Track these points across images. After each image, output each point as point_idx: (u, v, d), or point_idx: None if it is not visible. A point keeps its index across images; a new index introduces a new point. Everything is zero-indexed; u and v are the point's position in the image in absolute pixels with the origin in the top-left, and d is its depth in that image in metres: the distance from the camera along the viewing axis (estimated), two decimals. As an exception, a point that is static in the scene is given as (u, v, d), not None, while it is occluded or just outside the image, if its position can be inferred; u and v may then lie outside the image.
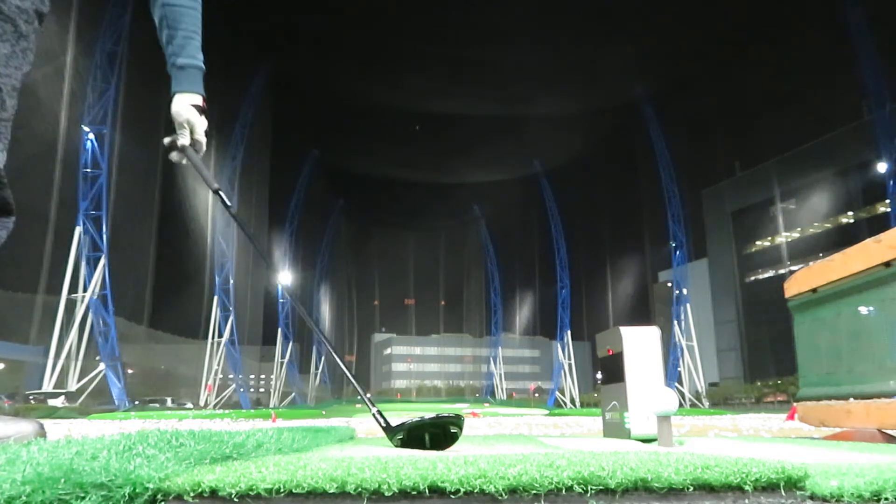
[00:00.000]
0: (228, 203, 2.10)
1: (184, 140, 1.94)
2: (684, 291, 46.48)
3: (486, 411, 21.38)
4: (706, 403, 42.70)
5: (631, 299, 67.55)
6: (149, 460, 0.96)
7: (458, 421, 1.78)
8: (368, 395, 1.95)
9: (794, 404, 4.20)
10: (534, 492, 0.91)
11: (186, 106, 1.90)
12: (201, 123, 1.95)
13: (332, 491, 0.89)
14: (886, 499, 0.92)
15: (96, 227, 30.03)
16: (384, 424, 1.85)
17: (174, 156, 1.97)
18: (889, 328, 2.67)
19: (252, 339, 53.42)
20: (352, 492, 0.89)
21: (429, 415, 1.79)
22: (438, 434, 1.77)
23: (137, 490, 0.86)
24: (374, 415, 1.88)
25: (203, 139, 1.97)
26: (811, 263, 3.52)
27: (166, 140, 1.97)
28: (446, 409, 36.82)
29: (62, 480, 0.81)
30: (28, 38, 1.47)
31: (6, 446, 1.06)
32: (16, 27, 1.43)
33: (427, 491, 0.90)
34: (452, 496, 0.90)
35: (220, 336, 43.03)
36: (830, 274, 3.09)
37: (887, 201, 36.28)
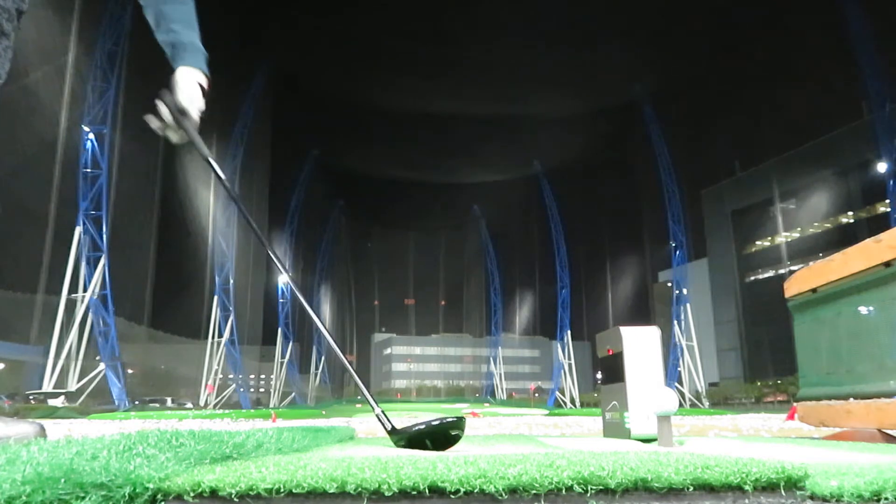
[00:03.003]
0: (222, 175, 1.99)
1: (183, 104, 1.80)
2: (684, 291, 46.47)
3: (486, 411, 21.38)
4: (706, 403, 42.67)
5: (631, 299, 67.61)
6: (149, 460, 0.96)
7: (460, 424, 1.79)
8: (371, 395, 1.96)
9: (794, 404, 4.19)
10: (534, 492, 0.91)
11: (191, 79, 1.80)
12: (200, 102, 1.84)
13: (332, 491, 0.89)
14: (886, 499, 0.92)
15: (96, 227, 30.02)
16: (386, 425, 1.85)
17: (158, 122, 1.82)
18: (889, 328, 2.67)
19: (252, 339, 53.42)
20: (352, 492, 0.89)
21: (431, 417, 1.78)
22: (440, 437, 1.77)
23: (137, 490, 0.86)
24: (377, 416, 1.88)
25: (197, 118, 1.85)
26: (811, 263, 3.51)
27: (157, 100, 1.82)
28: (446, 409, 36.70)
29: (62, 480, 0.82)
30: (9, 36, 1.46)
31: (6, 446, 1.05)
32: None
33: (427, 491, 0.90)
34: (452, 496, 0.90)
35: (220, 336, 43.03)
36: (830, 274, 3.09)
37: (887, 201, 36.27)
